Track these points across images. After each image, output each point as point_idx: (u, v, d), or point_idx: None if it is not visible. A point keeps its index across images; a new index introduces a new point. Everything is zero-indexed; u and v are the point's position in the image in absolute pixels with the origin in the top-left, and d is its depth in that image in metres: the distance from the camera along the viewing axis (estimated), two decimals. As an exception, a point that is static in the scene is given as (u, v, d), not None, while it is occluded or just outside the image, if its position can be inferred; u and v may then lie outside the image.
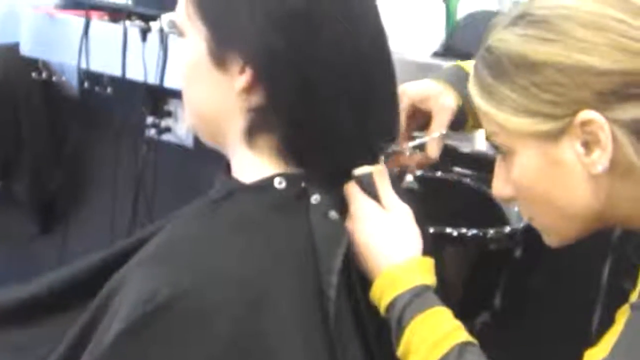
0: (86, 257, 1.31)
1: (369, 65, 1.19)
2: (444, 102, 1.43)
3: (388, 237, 1.21)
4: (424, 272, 1.20)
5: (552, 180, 1.15)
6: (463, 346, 1.15)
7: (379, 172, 1.23)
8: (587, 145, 1.11)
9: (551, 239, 1.24)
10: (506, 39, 1.15)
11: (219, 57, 1.17)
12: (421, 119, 1.45)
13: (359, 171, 1.22)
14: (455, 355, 1.14)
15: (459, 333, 1.16)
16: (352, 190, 1.22)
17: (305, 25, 1.14)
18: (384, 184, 1.24)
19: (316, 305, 1.14)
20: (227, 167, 1.24)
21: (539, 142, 1.13)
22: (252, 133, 1.18)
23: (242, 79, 1.16)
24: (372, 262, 1.21)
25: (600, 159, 1.10)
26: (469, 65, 1.49)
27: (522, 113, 1.13)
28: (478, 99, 1.18)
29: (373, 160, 1.23)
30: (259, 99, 1.16)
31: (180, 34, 1.23)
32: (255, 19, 1.14)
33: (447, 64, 1.55)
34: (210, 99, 1.21)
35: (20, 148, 2.96)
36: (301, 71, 1.14)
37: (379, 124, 1.22)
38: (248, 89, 1.16)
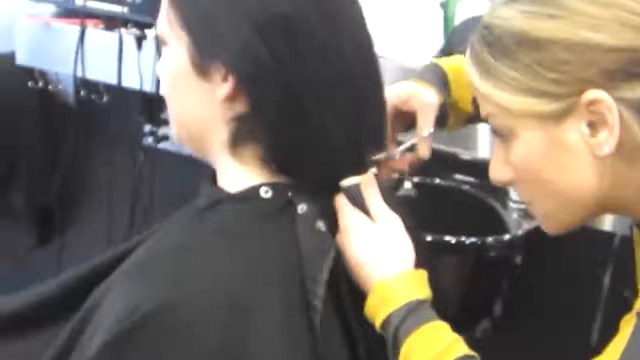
0: (75, 267, 1.30)
1: (355, 71, 1.17)
2: (426, 100, 1.40)
3: (377, 251, 1.19)
4: (417, 286, 1.18)
5: (555, 162, 1.12)
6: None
7: (366, 182, 1.21)
8: (593, 126, 1.08)
9: (549, 226, 1.20)
10: (507, 16, 1.12)
11: (201, 65, 1.15)
12: (405, 120, 1.43)
13: (346, 182, 1.20)
14: None
15: (458, 346, 1.14)
16: (340, 203, 1.20)
17: (289, 32, 1.12)
18: (371, 193, 1.21)
19: (302, 316, 1.12)
20: (213, 176, 1.23)
21: (541, 123, 1.10)
22: (236, 142, 1.17)
23: (225, 88, 1.14)
24: (363, 277, 1.19)
25: (607, 140, 1.07)
26: (443, 62, 1.48)
27: (525, 93, 1.10)
28: (477, 79, 1.15)
29: (361, 169, 1.21)
30: (243, 107, 1.14)
31: (163, 42, 1.21)
32: (236, 26, 1.12)
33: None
34: (194, 108, 1.19)
35: (17, 158, 2.95)
36: (285, 79, 1.12)
37: (366, 132, 1.20)
38: (231, 98, 1.14)
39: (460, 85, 1.42)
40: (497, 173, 1.20)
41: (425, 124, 1.40)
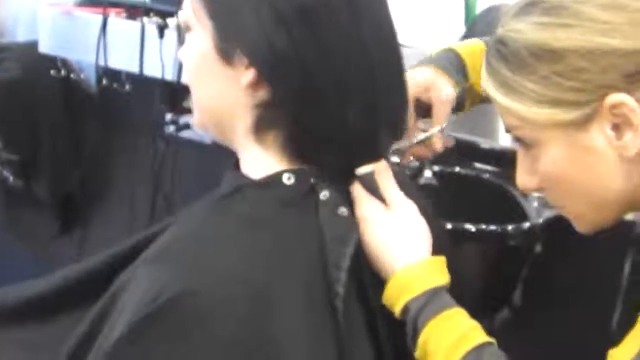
0: (95, 255, 1.31)
1: (376, 60, 1.17)
2: (443, 95, 1.43)
3: (395, 239, 1.19)
4: (436, 273, 1.18)
5: (583, 167, 1.12)
6: (481, 347, 1.14)
7: (381, 170, 1.21)
8: (618, 128, 1.08)
9: (582, 227, 1.21)
10: (520, 29, 1.12)
11: (225, 52, 1.16)
12: (424, 107, 1.45)
13: (361, 170, 1.20)
14: (474, 358, 1.13)
15: (476, 333, 1.15)
16: (357, 192, 1.20)
17: (311, 22, 1.12)
18: (386, 181, 1.22)
19: (324, 302, 1.12)
20: (236, 163, 1.23)
21: (565, 131, 1.11)
22: (259, 129, 1.17)
23: (248, 75, 1.14)
24: (381, 265, 1.19)
25: (634, 141, 1.08)
26: (459, 47, 1.50)
27: (546, 103, 1.10)
28: (496, 94, 1.15)
29: (381, 157, 1.21)
30: (265, 94, 1.15)
31: (187, 28, 1.21)
32: (260, 15, 1.12)
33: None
34: (217, 94, 1.19)
35: (39, 146, 2.96)
36: (306, 68, 1.12)
37: (386, 120, 1.20)
38: (254, 85, 1.15)
39: (476, 70, 1.42)
40: (525, 182, 1.21)
41: (439, 120, 1.43)
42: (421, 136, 1.41)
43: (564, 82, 1.09)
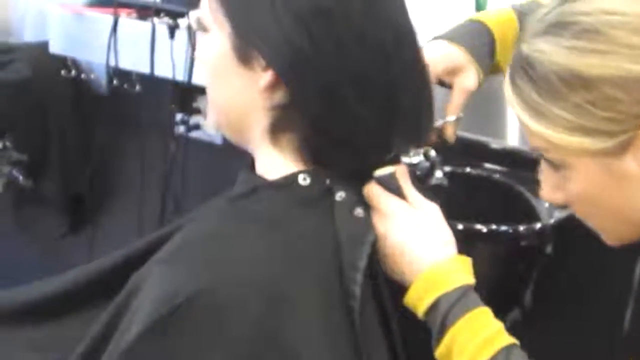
0: (107, 255, 1.31)
1: (395, 63, 1.17)
2: (464, 83, 1.40)
3: (426, 236, 1.19)
4: (467, 272, 1.19)
5: (614, 191, 1.10)
6: (510, 349, 1.14)
7: (401, 172, 1.21)
8: None
9: (609, 240, 1.20)
10: (549, 52, 1.08)
11: (243, 53, 1.16)
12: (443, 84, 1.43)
13: (380, 172, 1.20)
14: (503, 357, 1.13)
15: (504, 335, 1.15)
16: (376, 190, 1.20)
17: (330, 24, 1.12)
18: (407, 183, 1.22)
19: (341, 303, 1.13)
20: (251, 163, 1.23)
21: (597, 157, 1.08)
22: (275, 131, 1.17)
23: (266, 77, 1.14)
24: (409, 262, 1.18)
25: None
26: (490, 19, 1.47)
27: (578, 132, 1.07)
28: (524, 117, 1.12)
29: (396, 160, 1.21)
30: (283, 97, 1.15)
31: (204, 29, 1.21)
32: (278, 16, 1.12)
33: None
34: (234, 96, 1.19)
35: (49, 147, 2.97)
36: (325, 71, 1.12)
37: (406, 122, 1.20)
38: (272, 87, 1.15)
39: (504, 48, 1.41)
40: (550, 197, 1.19)
41: (455, 109, 1.41)
42: (436, 124, 1.38)
43: (597, 112, 1.05)
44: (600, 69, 1.03)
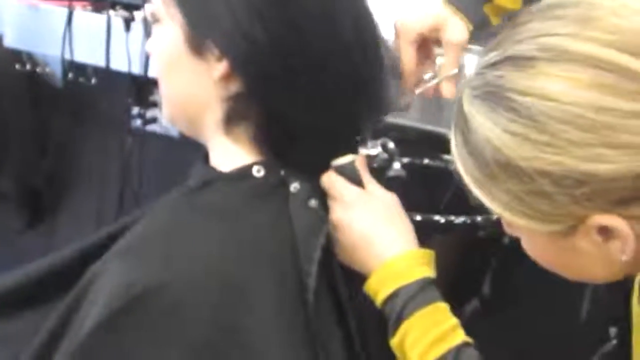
0: (65, 247, 1.30)
1: (352, 52, 1.17)
2: (454, 38, 1.32)
3: (389, 226, 1.19)
4: (428, 265, 1.18)
5: (568, 259, 1.01)
6: (460, 348, 1.14)
7: (360, 162, 1.21)
8: (605, 233, 0.95)
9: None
10: (484, 124, 0.95)
11: (196, 44, 1.15)
12: (428, 48, 1.35)
13: (339, 161, 1.20)
14: (452, 357, 1.13)
15: (458, 332, 1.15)
16: (335, 179, 1.19)
17: (284, 12, 1.12)
18: (366, 173, 1.22)
19: (296, 295, 1.13)
20: (206, 156, 1.23)
21: (547, 236, 0.99)
22: (230, 121, 1.17)
23: (220, 68, 1.14)
24: (372, 250, 1.18)
25: (623, 249, 0.95)
26: None
27: (519, 214, 0.97)
28: (468, 181, 1.01)
29: (355, 149, 1.21)
30: (238, 87, 1.14)
31: (156, 20, 1.20)
32: (231, 5, 1.11)
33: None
34: (188, 88, 1.19)
35: (5, 141, 2.94)
36: (280, 61, 1.12)
37: (362, 110, 1.20)
38: (226, 78, 1.14)
39: None
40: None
41: (451, 63, 1.33)
42: (431, 83, 1.33)
43: (539, 203, 0.95)
44: (539, 162, 0.92)
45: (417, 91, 1.31)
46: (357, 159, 1.21)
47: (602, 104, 0.90)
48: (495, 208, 0.99)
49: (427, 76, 1.33)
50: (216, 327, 1.06)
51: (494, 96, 0.96)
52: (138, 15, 2.50)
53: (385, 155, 1.58)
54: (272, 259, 1.13)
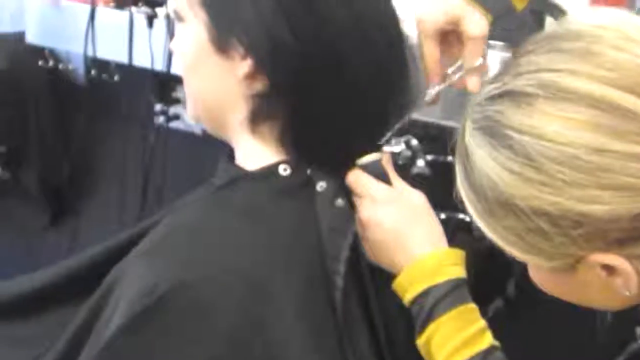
0: (88, 249, 1.29)
1: (377, 50, 1.16)
2: (474, 32, 1.26)
3: (420, 224, 1.18)
4: (459, 264, 1.17)
5: (576, 292, 1.00)
6: (487, 353, 1.12)
7: (386, 159, 1.20)
8: (609, 270, 0.93)
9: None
10: (483, 158, 0.95)
11: (220, 43, 1.14)
12: (451, 42, 1.29)
13: (365, 159, 1.18)
14: (480, 358, 1.11)
15: (486, 335, 1.14)
16: (362, 177, 1.18)
17: (310, 12, 1.10)
18: (392, 170, 1.21)
19: (323, 294, 1.12)
20: (231, 154, 1.22)
21: (548, 270, 0.98)
22: (255, 120, 1.16)
23: (245, 66, 1.13)
24: (400, 248, 1.17)
25: (627, 287, 0.93)
26: None
27: (520, 250, 0.96)
28: (470, 212, 1.00)
29: (377, 149, 1.20)
30: (262, 85, 1.13)
31: (180, 19, 1.19)
32: (257, 6, 1.10)
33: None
34: (213, 86, 1.18)
35: (28, 138, 2.95)
36: (305, 57, 1.11)
37: (390, 109, 1.19)
38: (251, 76, 1.13)
39: None
40: None
41: (475, 55, 1.27)
42: (455, 77, 1.29)
43: (537, 242, 0.94)
44: (537, 202, 0.91)
45: (442, 86, 1.28)
46: (382, 157, 1.19)
47: (598, 145, 0.88)
48: (497, 241, 0.98)
49: (450, 70, 1.30)
50: (245, 321, 1.05)
51: (493, 131, 0.95)
52: (160, 12, 2.50)
53: (408, 153, 1.57)
54: (299, 258, 1.12)
